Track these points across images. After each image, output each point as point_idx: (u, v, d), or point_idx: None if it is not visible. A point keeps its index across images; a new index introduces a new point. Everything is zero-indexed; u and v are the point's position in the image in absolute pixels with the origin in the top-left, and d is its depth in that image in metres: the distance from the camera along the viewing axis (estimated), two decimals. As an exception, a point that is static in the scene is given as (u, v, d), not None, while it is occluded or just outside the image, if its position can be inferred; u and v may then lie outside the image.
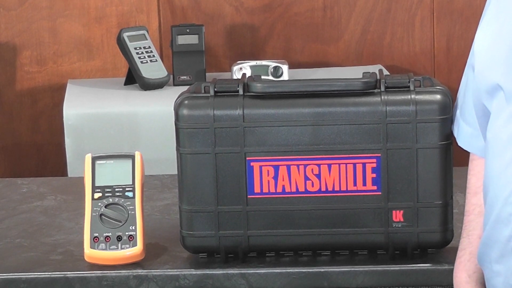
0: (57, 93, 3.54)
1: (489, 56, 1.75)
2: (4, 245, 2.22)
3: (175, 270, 2.09)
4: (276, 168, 2.02)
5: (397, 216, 2.02)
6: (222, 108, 2.02)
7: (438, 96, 2.00)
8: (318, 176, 2.02)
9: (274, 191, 2.03)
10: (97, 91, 3.52)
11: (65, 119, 3.29)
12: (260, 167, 2.03)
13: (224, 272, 2.08)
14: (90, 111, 3.34)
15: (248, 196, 2.04)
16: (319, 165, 2.02)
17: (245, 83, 2.05)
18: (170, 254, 2.15)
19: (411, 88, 2.01)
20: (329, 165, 2.02)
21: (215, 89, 2.04)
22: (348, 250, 2.09)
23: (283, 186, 2.03)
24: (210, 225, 2.06)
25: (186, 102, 2.04)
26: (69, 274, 2.08)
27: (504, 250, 1.76)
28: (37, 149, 3.72)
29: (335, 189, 2.03)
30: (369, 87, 2.01)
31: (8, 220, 2.37)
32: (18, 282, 2.08)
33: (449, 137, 2.00)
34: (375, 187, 2.02)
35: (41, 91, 3.73)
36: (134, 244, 2.09)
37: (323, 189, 2.03)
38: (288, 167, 2.02)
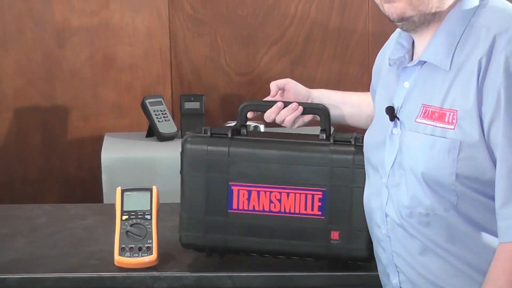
0: (97, 143, 3.53)
1: None
2: (55, 252, 2.22)
3: (180, 272, 2.10)
4: (250, 192, 2.05)
5: (335, 235, 2.03)
6: (215, 145, 2.06)
7: None
8: (279, 200, 2.04)
9: (247, 208, 2.05)
10: (126, 141, 3.52)
11: (103, 161, 3.29)
12: (238, 190, 2.05)
13: (215, 274, 2.08)
14: (121, 156, 3.34)
15: (228, 211, 2.06)
16: (280, 193, 2.04)
17: (233, 129, 2.09)
18: (177, 261, 2.15)
19: (352, 142, 2.02)
20: (288, 193, 2.03)
21: (211, 132, 2.08)
22: (299, 257, 2.09)
23: (254, 205, 2.05)
24: (200, 229, 2.08)
25: (189, 139, 2.08)
26: (103, 274, 2.09)
27: None
28: (82, 183, 3.71)
29: (291, 211, 2.04)
30: (322, 141, 2.06)
31: (59, 234, 2.36)
32: (65, 280, 2.08)
33: None
34: (320, 213, 2.03)
35: (86, 140, 3.72)
36: (151, 253, 2.10)
37: (282, 210, 2.04)
38: (258, 192, 2.04)
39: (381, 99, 1.88)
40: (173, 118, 3.57)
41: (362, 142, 1.98)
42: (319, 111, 2.09)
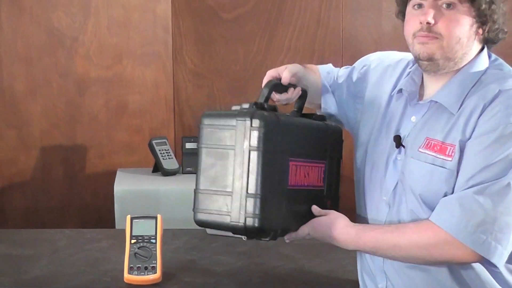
0: (111, 176, 3.53)
1: None
2: (74, 271, 2.21)
3: (180, 288, 2.09)
4: (297, 167, 1.74)
5: (328, 203, 1.87)
6: (283, 120, 1.73)
7: (341, 130, 1.93)
8: (308, 174, 1.79)
9: (295, 183, 1.75)
10: (135, 176, 3.52)
11: (115, 192, 3.28)
12: (293, 166, 1.73)
13: (210, 290, 2.07)
14: (131, 188, 3.33)
15: (288, 188, 1.72)
16: (310, 167, 1.79)
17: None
18: (177, 279, 2.14)
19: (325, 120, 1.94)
20: (312, 167, 1.80)
21: (265, 107, 1.75)
22: None
23: (297, 180, 1.75)
24: (270, 209, 1.68)
25: (258, 112, 1.69)
26: (114, 289, 2.09)
27: None
28: (97, 211, 3.71)
29: (311, 184, 1.81)
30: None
31: (77, 255, 2.36)
32: (82, 294, 2.08)
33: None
34: (322, 184, 1.85)
35: (101, 174, 3.73)
36: (155, 272, 2.09)
37: (309, 184, 1.80)
38: (298, 166, 1.76)
39: (386, 126, 1.87)
40: (175, 156, 3.57)
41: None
42: (304, 93, 1.91)
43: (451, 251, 1.63)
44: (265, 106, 1.74)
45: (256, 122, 1.66)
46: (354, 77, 2.01)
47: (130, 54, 3.69)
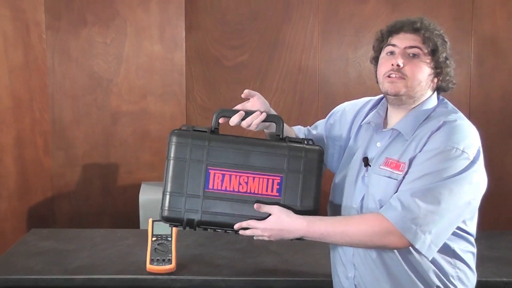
0: (136, 188, 3.54)
1: None
2: (107, 262, 2.21)
3: (191, 276, 2.09)
4: (223, 175, 1.73)
5: None
6: (196, 138, 1.76)
7: (317, 148, 1.80)
8: (247, 183, 1.74)
9: (220, 188, 1.74)
10: (156, 187, 3.50)
11: (140, 200, 3.26)
12: (214, 173, 1.74)
13: (214, 278, 2.07)
14: (153, 197, 3.32)
15: (205, 190, 1.73)
16: (248, 177, 1.74)
17: (210, 128, 1.79)
18: (188, 269, 2.15)
19: (304, 142, 1.81)
20: (254, 177, 1.74)
21: (193, 128, 1.78)
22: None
23: (226, 186, 1.74)
24: (181, 206, 1.73)
25: (176, 131, 1.77)
26: (139, 277, 2.09)
27: None
28: (126, 215, 3.70)
29: (255, 192, 1.74)
30: (280, 140, 1.82)
31: (109, 250, 2.36)
32: (114, 280, 2.08)
33: (321, 172, 1.79)
34: (277, 194, 1.74)
35: (129, 187, 3.73)
36: (171, 263, 2.09)
37: (248, 191, 1.74)
38: (230, 175, 1.74)
39: (356, 150, 1.87)
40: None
41: (311, 143, 1.82)
42: (276, 119, 1.83)
43: (389, 238, 1.64)
44: (195, 127, 1.77)
45: (172, 139, 1.75)
46: (332, 121, 2.01)
47: (153, 93, 3.71)
